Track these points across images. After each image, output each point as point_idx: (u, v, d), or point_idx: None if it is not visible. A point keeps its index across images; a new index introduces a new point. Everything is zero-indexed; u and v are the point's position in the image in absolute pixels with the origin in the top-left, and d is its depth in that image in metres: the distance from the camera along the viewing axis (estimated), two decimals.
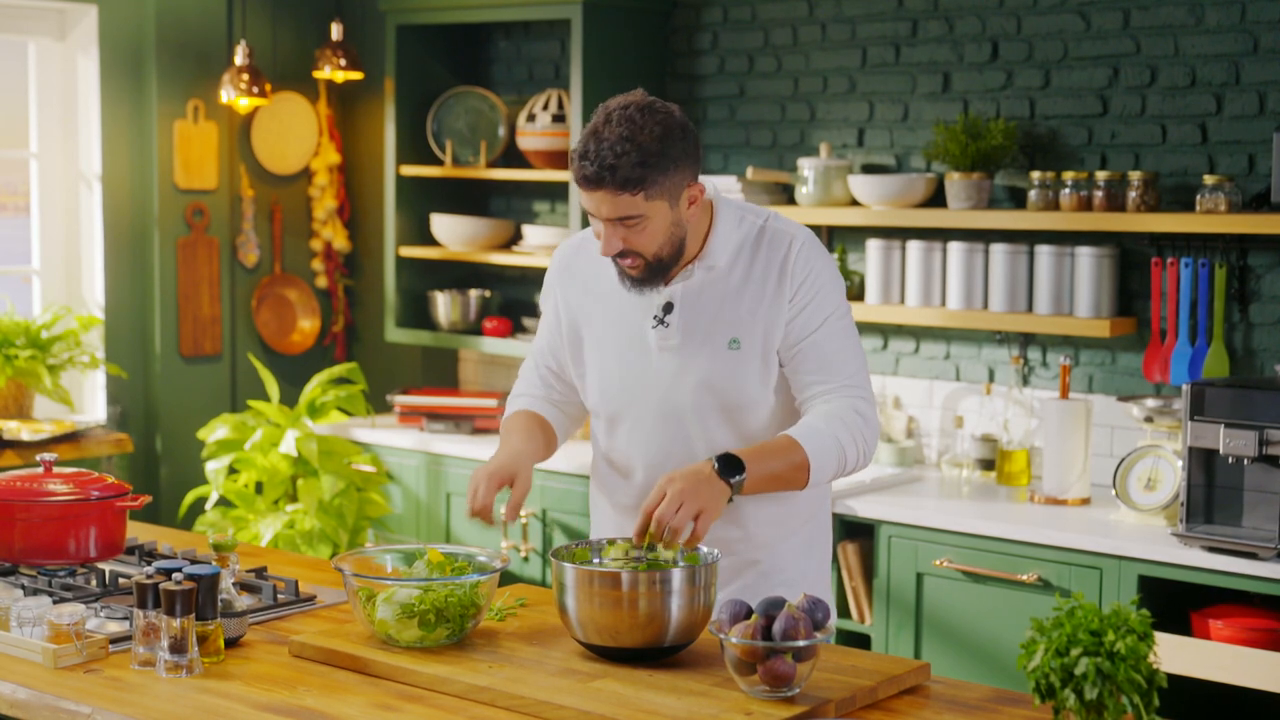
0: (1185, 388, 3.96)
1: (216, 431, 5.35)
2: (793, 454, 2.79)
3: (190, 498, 5.40)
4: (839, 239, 5.10)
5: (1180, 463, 4.04)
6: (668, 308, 2.91)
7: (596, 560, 2.75)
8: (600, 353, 2.99)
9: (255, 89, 5.70)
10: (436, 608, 2.64)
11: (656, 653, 2.60)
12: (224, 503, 5.58)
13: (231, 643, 2.75)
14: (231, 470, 5.49)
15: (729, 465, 2.73)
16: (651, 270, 2.85)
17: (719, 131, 5.36)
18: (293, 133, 6.00)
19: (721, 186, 5.03)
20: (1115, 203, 4.42)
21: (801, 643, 2.40)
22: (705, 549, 2.71)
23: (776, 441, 2.83)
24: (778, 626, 2.41)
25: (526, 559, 5.09)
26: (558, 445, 3.09)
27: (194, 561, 3.04)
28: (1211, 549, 3.87)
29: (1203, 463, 3.96)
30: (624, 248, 2.80)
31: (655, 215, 2.78)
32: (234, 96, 5.69)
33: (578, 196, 2.76)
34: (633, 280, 2.87)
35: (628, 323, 2.95)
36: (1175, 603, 3.97)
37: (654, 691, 2.47)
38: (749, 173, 5.02)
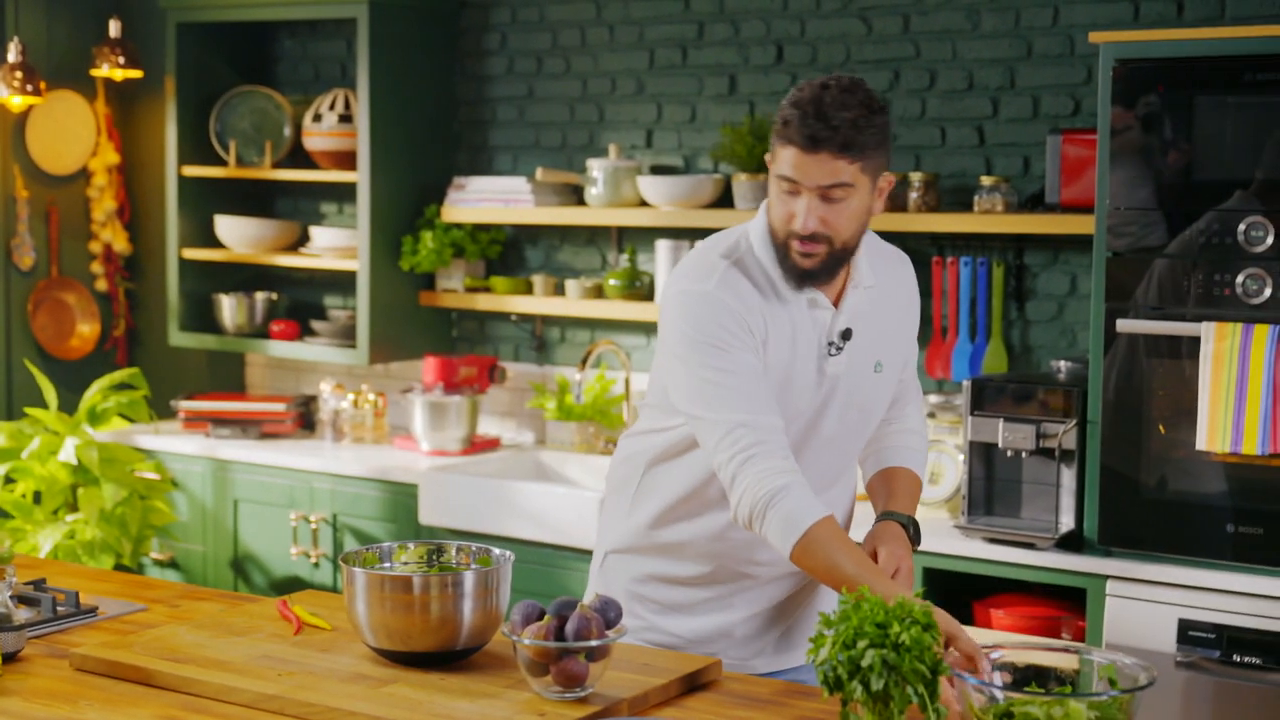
0: (966, 383, 4.06)
1: None
2: (918, 491, 2.96)
3: None
4: (628, 239, 5.13)
5: (961, 456, 4.14)
6: (846, 334, 2.77)
7: (387, 565, 2.73)
8: (775, 383, 2.74)
9: (29, 87, 5.53)
10: None
11: (449, 656, 2.58)
12: (0, 514, 5.42)
13: (9, 658, 2.67)
14: (8, 480, 5.33)
15: (918, 533, 2.86)
16: (827, 263, 2.69)
17: (508, 132, 5.35)
18: (69, 132, 5.84)
19: (511, 188, 5.04)
20: (897, 203, 4.52)
21: (594, 642, 2.41)
22: (498, 550, 2.71)
23: (913, 482, 2.95)
24: (570, 627, 2.42)
25: (317, 565, 5.03)
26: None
27: None
28: (992, 540, 3.97)
29: (983, 456, 4.07)
30: (819, 228, 2.65)
31: (858, 192, 2.66)
32: (6, 95, 5.51)
33: (784, 165, 2.64)
34: (803, 275, 2.70)
35: (801, 349, 2.76)
36: (958, 593, 4.06)
37: (447, 695, 2.45)
38: (538, 174, 5.02)
